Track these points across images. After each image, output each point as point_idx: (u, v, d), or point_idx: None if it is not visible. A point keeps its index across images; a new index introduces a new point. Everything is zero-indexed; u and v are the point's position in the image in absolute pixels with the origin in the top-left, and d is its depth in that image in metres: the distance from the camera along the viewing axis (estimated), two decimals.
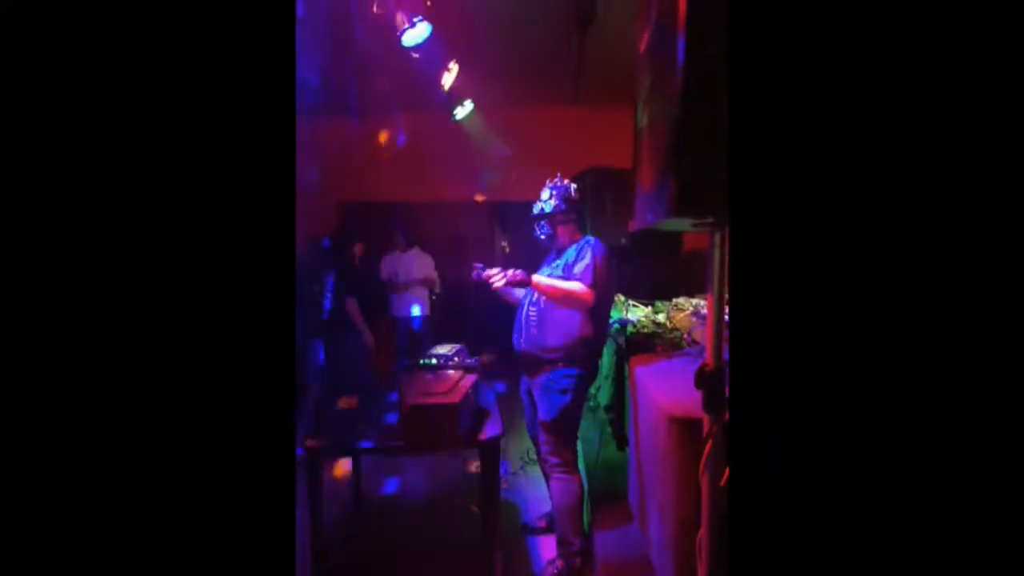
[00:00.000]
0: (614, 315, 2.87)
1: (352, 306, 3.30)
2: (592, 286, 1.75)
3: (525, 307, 1.90)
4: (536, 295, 1.85)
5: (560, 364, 1.79)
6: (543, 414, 1.81)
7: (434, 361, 1.98)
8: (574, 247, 1.88)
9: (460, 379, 1.77)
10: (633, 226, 2.45)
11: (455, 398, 1.58)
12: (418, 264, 4.00)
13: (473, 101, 3.22)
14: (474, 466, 2.59)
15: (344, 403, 2.01)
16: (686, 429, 1.43)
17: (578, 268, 1.78)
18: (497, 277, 1.75)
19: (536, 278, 1.77)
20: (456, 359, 2.03)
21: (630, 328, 2.51)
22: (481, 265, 1.84)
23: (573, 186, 2.00)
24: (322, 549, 1.63)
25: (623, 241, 3.25)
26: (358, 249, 3.56)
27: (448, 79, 2.79)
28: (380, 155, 4.25)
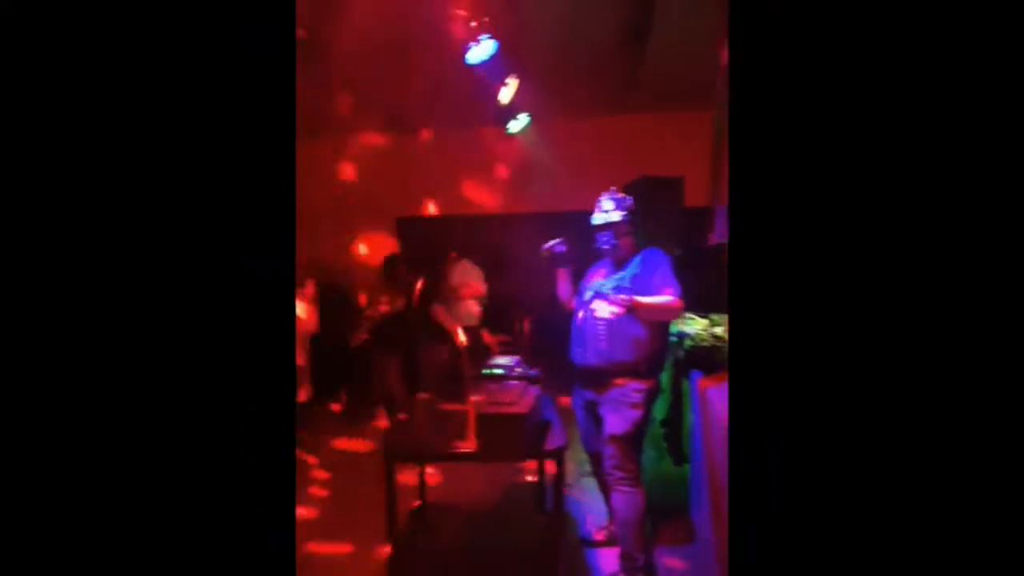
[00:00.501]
0: (671, 328, 2.84)
1: (440, 312, 3.39)
2: (681, 296, 1.76)
3: (590, 321, 1.87)
4: (610, 314, 1.80)
5: (631, 378, 1.79)
6: (613, 428, 1.80)
7: (498, 372, 2.01)
8: (638, 258, 1.88)
9: (524, 390, 1.80)
10: (714, 239, 2.44)
11: (524, 408, 1.60)
12: (469, 276, 4.07)
13: (529, 114, 3.26)
14: (530, 475, 2.60)
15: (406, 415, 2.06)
16: None
17: (658, 280, 1.78)
18: (602, 307, 1.70)
19: (638, 299, 1.72)
20: (518, 370, 2.05)
21: (688, 342, 2.46)
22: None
23: (629, 199, 2.00)
24: (396, 552, 1.68)
25: (676, 252, 3.20)
26: (418, 284, 3.65)
27: (507, 93, 2.85)
28: (435, 171, 4.36)
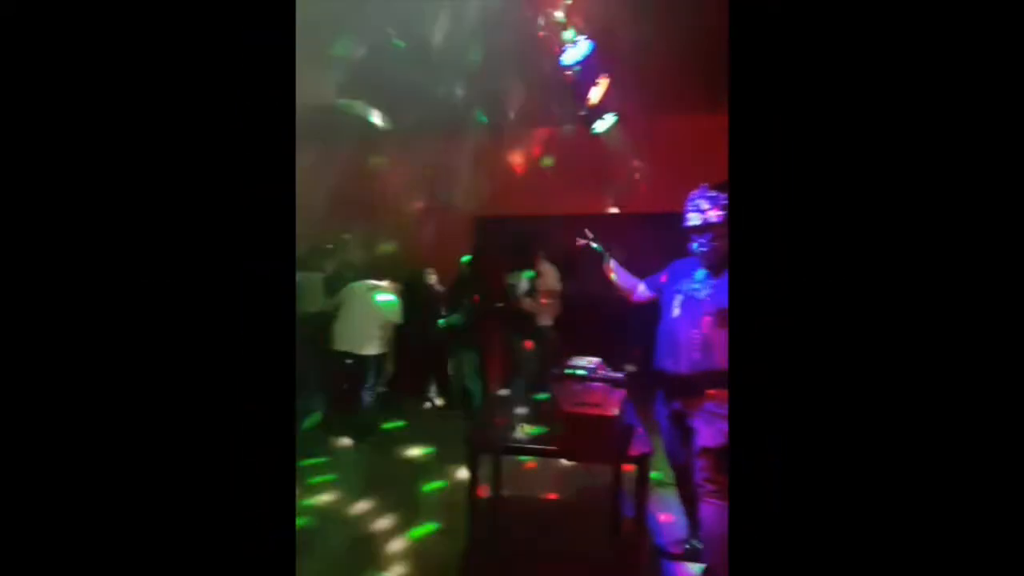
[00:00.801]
0: None
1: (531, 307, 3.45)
2: None
3: (684, 329, 1.79)
4: (702, 320, 1.74)
5: (727, 389, 1.69)
6: (708, 440, 1.72)
7: (581, 372, 2.00)
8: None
9: (610, 392, 1.78)
10: None
11: (611, 410, 1.59)
12: (546, 277, 4.08)
13: (616, 114, 3.22)
14: (609, 479, 2.56)
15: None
16: None
17: None
18: None
19: None
20: (601, 372, 2.04)
21: None
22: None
23: (726, 195, 1.83)
24: (476, 542, 1.74)
25: None
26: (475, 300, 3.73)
27: (596, 93, 2.83)
28: (517, 170, 4.43)
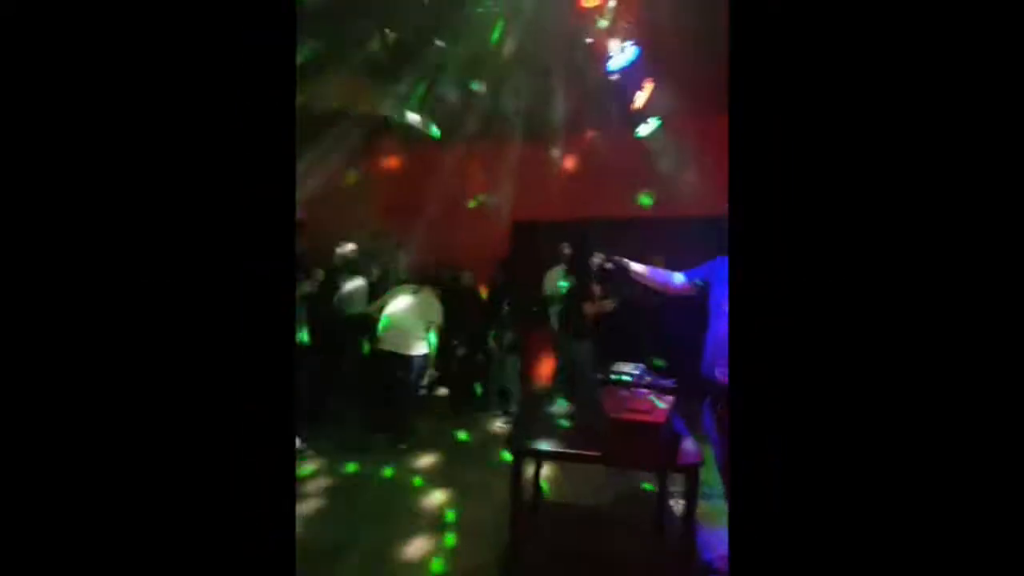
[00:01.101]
0: None
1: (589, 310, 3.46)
2: None
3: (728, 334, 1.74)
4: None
5: None
6: None
7: (627, 378, 1.98)
8: None
9: (658, 399, 1.75)
10: None
11: (660, 418, 1.56)
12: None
13: (661, 118, 3.18)
14: (656, 488, 2.51)
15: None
16: None
17: None
18: None
19: None
20: (647, 379, 2.01)
21: None
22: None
23: None
24: (518, 543, 1.74)
25: None
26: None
27: (641, 98, 2.81)
28: (560, 174, 4.43)
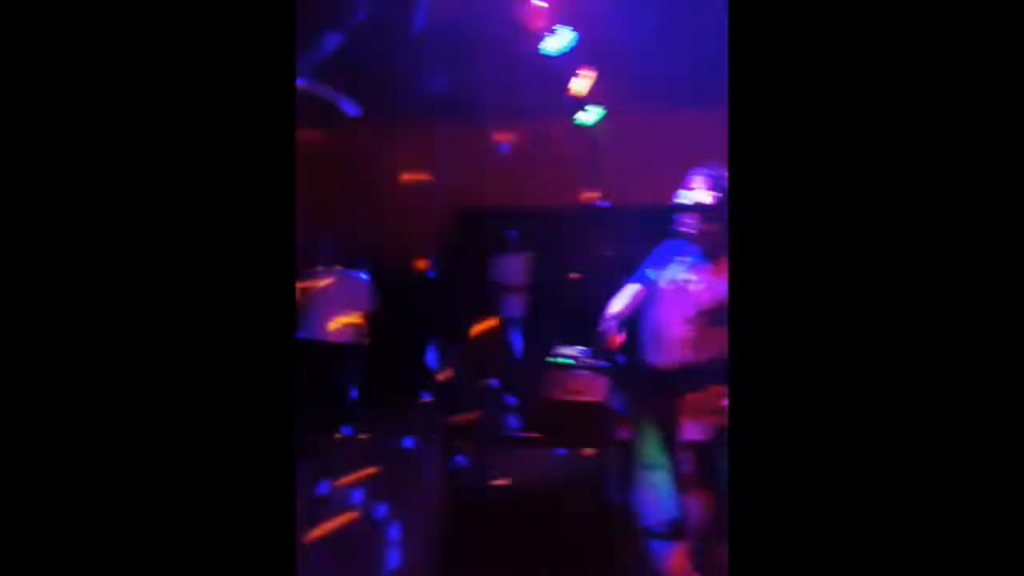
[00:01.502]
0: None
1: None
2: None
3: (675, 324, 1.69)
4: (692, 310, 1.64)
5: (714, 384, 1.61)
6: (695, 435, 1.68)
7: (567, 361, 2.00)
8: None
9: (594, 379, 1.79)
10: None
11: (596, 397, 1.60)
12: (524, 267, 4.10)
13: (601, 106, 3.21)
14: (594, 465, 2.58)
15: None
16: None
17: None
18: None
19: None
20: (587, 360, 2.04)
21: None
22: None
23: (727, 174, 1.69)
24: (446, 533, 1.74)
25: None
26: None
27: (582, 85, 2.82)
28: (500, 161, 4.40)
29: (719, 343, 1.56)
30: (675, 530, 2.05)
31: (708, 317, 1.62)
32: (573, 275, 3.96)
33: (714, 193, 1.64)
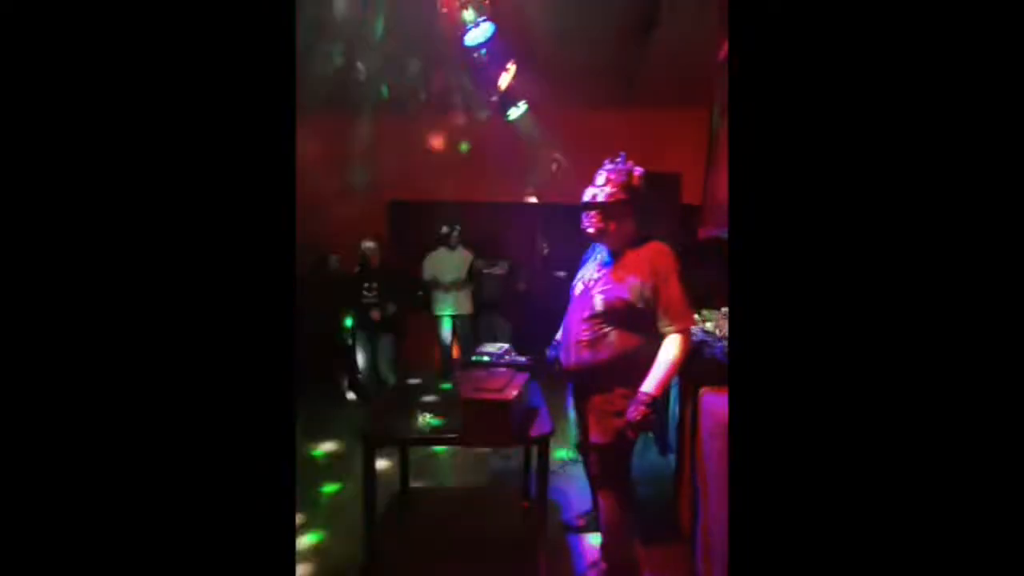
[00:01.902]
0: None
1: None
2: (691, 321, 1.54)
3: (575, 325, 1.69)
4: (588, 311, 1.64)
5: (616, 386, 1.62)
6: (597, 437, 1.67)
7: (487, 359, 2.00)
8: (647, 263, 1.58)
9: (513, 377, 1.79)
10: (703, 233, 2.30)
11: (509, 395, 1.59)
12: (463, 262, 4.02)
13: (528, 102, 3.22)
14: (515, 462, 2.60)
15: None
16: None
17: (663, 304, 1.54)
18: (635, 419, 1.53)
19: (652, 387, 1.52)
20: (507, 357, 2.05)
21: None
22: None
23: (637, 171, 1.65)
24: (375, 536, 1.69)
25: (678, 249, 3.18)
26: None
27: (505, 79, 2.81)
28: (431, 154, 4.31)
29: (615, 345, 1.59)
30: (590, 522, 2.11)
31: (603, 318, 1.60)
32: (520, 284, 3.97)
33: (611, 189, 1.62)
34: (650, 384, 1.53)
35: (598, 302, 1.62)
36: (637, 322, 1.60)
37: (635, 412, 1.52)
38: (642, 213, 1.66)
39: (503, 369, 1.93)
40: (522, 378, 1.80)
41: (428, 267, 3.98)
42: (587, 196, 1.66)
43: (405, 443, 1.79)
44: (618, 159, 1.70)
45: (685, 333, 1.56)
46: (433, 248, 4.03)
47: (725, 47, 1.22)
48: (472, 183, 4.45)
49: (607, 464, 1.69)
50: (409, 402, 1.88)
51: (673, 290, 1.56)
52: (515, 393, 1.61)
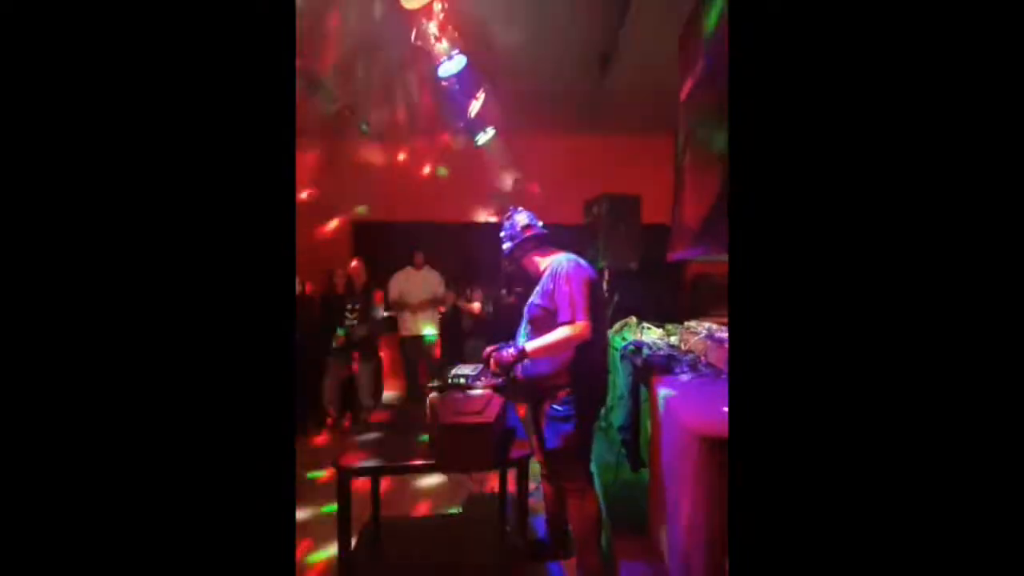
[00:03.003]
0: (628, 336, 2.90)
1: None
2: (582, 316, 1.67)
3: (518, 337, 1.86)
4: (526, 326, 1.82)
5: (559, 392, 1.75)
6: (548, 443, 1.78)
7: (462, 380, 1.96)
8: (547, 273, 1.81)
9: (490, 399, 1.77)
10: (672, 257, 2.46)
11: (489, 418, 1.58)
12: (429, 283, 4.00)
13: (495, 128, 3.29)
14: (488, 486, 2.57)
15: (377, 417, 2.01)
16: (716, 449, 1.44)
17: (558, 302, 1.71)
18: (492, 362, 1.73)
19: (530, 347, 1.70)
20: (483, 379, 2.02)
21: (645, 350, 2.53)
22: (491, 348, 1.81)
23: (519, 214, 1.96)
24: (349, 565, 1.61)
25: (633, 265, 3.31)
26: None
27: (475, 107, 2.86)
28: (399, 177, 4.30)
29: (543, 361, 1.76)
30: (558, 539, 2.10)
31: (533, 328, 1.80)
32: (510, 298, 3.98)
33: (509, 244, 1.92)
34: (531, 345, 1.70)
35: (527, 315, 1.83)
36: (577, 344, 1.71)
37: (503, 355, 1.69)
38: (541, 238, 1.93)
39: (479, 391, 1.91)
40: (498, 400, 1.80)
41: (394, 288, 3.93)
42: (505, 251, 1.97)
43: (380, 472, 1.73)
44: (510, 212, 1.98)
45: (578, 321, 1.68)
46: (399, 268, 3.99)
47: (688, 87, 1.30)
48: (439, 204, 4.46)
49: (565, 467, 1.78)
50: (384, 428, 1.83)
51: (565, 292, 1.71)
52: (495, 415, 1.60)
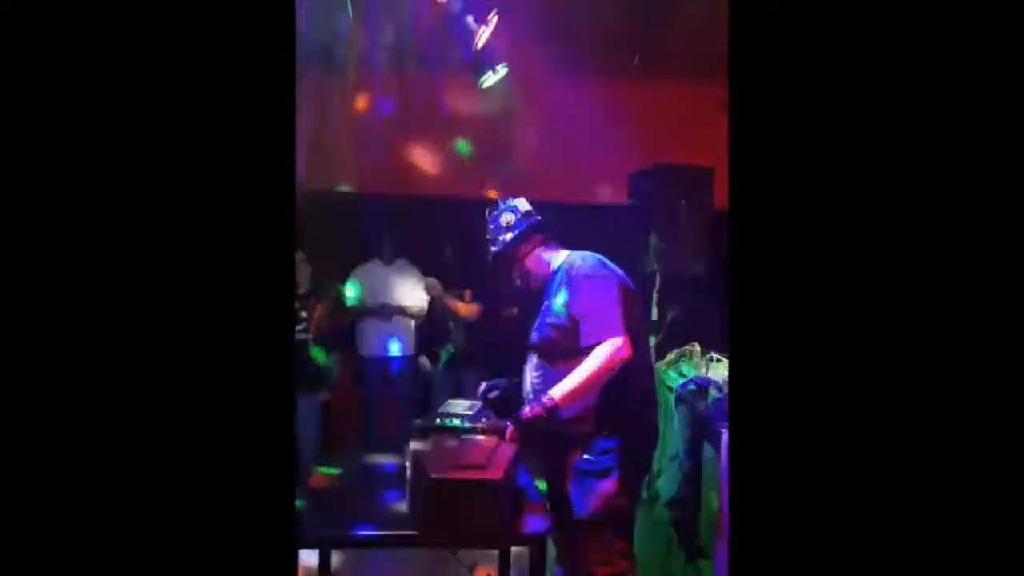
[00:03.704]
0: (687, 372, 2.89)
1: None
2: (618, 330, 1.67)
3: (527, 371, 1.85)
4: (535, 359, 1.86)
5: (591, 436, 1.73)
6: (581, 509, 1.73)
7: (456, 423, 1.93)
8: (560, 276, 1.83)
9: (496, 448, 1.75)
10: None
11: (496, 474, 1.57)
12: (403, 284, 3.97)
13: (507, 65, 3.25)
14: (485, 572, 2.58)
15: (316, 481, 2.01)
16: None
17: (579, 314, 1.72)
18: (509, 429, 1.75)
19: (559, 393, 1.70)
20: (483, 420, 1.99)
21: (713, 391, 2.50)
22: (490, 384, 1.89)
23: (518, 203, 1.99)
24: None
25: (699, 270, 3.25)
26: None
27: (483, 34, 2.86)
28: (366, 134, 4.24)
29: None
30: None
31: (545, 370, 1.88)
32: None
33: (504, 238, 1.93)
34: (559, 390, 1.70)
35: (536, 340, 1.85)
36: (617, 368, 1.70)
37: (530, 410, 1.70)
38: (545, 230, 1.96)
39: (480, 436, 1.89)
40: (507, 449, 1.77)
41: (355, 288, 3.90)
42: (494, 251, 1.98)
43: (364, 544, 1.74)
44: (498, 202, 2.00)
45: (615, 337, 1.69)
46: (362, 262, 3.98)
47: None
48: (420, 172, 4.42)
49: (604, 545, 1.70)
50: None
51: (589, 306, 1.73)
52: (503, 470, 1.59)
